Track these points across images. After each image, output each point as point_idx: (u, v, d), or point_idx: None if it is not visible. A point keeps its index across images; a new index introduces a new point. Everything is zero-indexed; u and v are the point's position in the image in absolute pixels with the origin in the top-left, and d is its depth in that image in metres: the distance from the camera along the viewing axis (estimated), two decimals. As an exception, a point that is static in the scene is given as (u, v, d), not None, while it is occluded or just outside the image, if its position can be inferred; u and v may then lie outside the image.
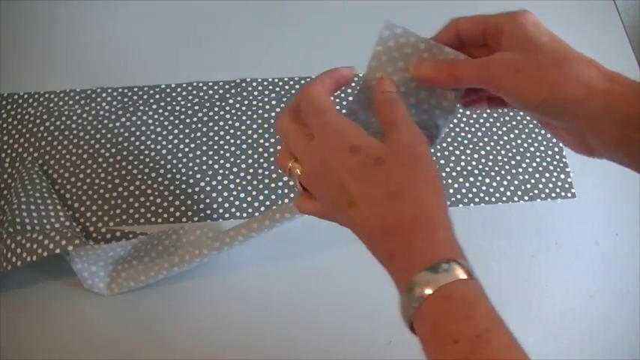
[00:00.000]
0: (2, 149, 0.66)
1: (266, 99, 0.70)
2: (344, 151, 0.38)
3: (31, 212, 0.58)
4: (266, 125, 0.68)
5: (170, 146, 0.67)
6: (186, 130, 0.68)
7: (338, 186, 0.38)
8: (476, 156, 0.67)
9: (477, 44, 0.42)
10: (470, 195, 0.65)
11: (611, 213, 0.64)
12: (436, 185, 0.38)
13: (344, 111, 0.44)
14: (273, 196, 0.64)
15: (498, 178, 0.66)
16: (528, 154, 0.67)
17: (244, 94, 0.71)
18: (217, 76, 0.72)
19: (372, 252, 0.38)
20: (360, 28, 0.77)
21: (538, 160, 0.67)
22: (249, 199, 0.64)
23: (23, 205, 0.59)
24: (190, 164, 0.66)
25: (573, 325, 0.58)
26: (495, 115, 0.70)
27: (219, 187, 0.64)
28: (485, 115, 0.70)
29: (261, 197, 0.64)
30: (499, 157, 0.67)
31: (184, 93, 0.70)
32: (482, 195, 0.65)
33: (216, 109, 0.69)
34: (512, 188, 0.65)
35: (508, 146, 0.68)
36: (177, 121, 0.68)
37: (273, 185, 0.64)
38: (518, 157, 0.67)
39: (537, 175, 0.66)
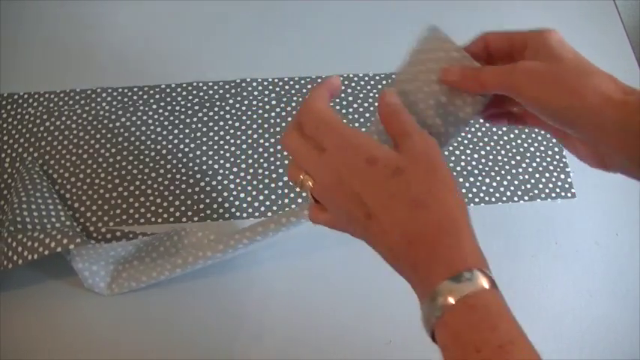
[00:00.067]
0: (2, 149, 0.66)
1: (266, 99, 0.70)
2: (361, 163, 0.38)
3: (31, 211, 0.58)
4: (266, 125, 0.68)
5: (170, 146, 0.67)
6: (186, 130, 0.68)
7: (355, 199, 0.38)
8: (476, 156, 0.67)
9: (504, 58, 0.43)
10: (470, 195, 0.64)
11: (611, 213, 0.64)
12: (456, 192, 0.38)
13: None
14: (273, 196, 0.64)
15: (498, 178, 0.66)
16: (528, 154, 0.67)
17: (244, 94, 0.71)
18: (217, 76, 0.72)
19: (391, 263, 0.38)
20: (360, 28, 0.77)
21: (538, 160, 0.67)
22: (249, 199, 0.64)
23: (24, 204, 0.59)
24: (190, 164, 0.66)
25: (573, 325, 0.58)
26: (495, 115, 0.70)
27: (219, 187, 0.64)
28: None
29: (261, 197, 0.64)
30: (499, 157, 0.67)
31: (184, 93, 0.70)
32: (482, 195, 0.65)
33: (216, 109, 0.69)
34: (512, 188, 0.65)
35: (508, 146, 0.68)
36: (177, 121, 0.68)
37: (273, 185, 0.64)
38: (518, 157, 0.67)
39: (537, 175, 0.66)
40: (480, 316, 0.34)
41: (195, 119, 0.69)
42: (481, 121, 0.69)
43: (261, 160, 0.66)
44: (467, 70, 0.42)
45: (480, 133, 0.68)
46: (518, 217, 0.63)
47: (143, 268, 0.58)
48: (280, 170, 0.65)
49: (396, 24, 0.78)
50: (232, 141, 0.67)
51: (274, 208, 0.63)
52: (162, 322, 0.57)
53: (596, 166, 0.42)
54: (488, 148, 0.67)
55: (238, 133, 0.68)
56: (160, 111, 0.69)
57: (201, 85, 0.71)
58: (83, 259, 0.56)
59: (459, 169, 0.66)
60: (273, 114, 0.69)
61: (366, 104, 0.70)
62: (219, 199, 0.63)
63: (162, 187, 0.64)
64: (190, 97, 0.70)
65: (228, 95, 0.70)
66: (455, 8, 0.80)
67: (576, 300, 0.59)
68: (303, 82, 0.71)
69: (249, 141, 0.67)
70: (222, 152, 0.66)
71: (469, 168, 0.66)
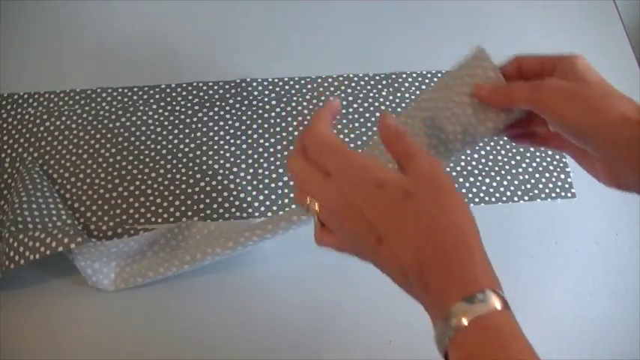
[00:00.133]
0: (2, 149, 0.66)
1: (266, 99, 0.70)
2: (369, 187, 0.38)
3: (32, 211, 0.58)
4: (266, 125, 0.68)
5: (170, 146, 0.67)
6: (186, 130, 0.68)
7: (364, 223, 0.38)
8: (476, 156, 0.67)
9: (535, 79, 0.45)
10: (470, 195, 0.64)
11: (611, 213, 0.64)
12: (466, 211, 0.38)
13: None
14: (273, 196, 0.64)
15: (498, 178, 0.66)
16: (528, 154, 0.67)
17: (244, 94, 0.71)
18: (217, 76, 0.72)
19: (402, 285, 0.38)
20: (360, 28, 0.77)
21: (538, 160, 0.67)
22: (249, 199, 0.64)
23: (25, 204, 0.59)
24: (190, 164, 0.66)
25: (573, 325, 0.58)
26: (495, 115, 0.70)
27: (219, 187, 0.64)
28: (485, 115, 0.70)
29: (261, 197, 0.64)
30: (499, 157, 0.67)
31: (184, 93, 0.70)
32: (482, 195, 0.65)
33: (216, 109, 0.69)
34: (512, 188, 0.65)
35: (508, 146, 0.68)
36: (177, 121, 0.68)
37: (273, 185, 0.64)
38: (518, 157, 0.67)
39: (537, 175, 0.66)
40: (492, 336, 0.34)
41: (195, 119, 0.69)
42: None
43: (261, 160, 0.66)
44: (497, 86, 0.45)
45: (480, 133, 0.68)
46: (518, 217, 0.63)
47: (148, 264, 0.58)
48: (280, 170, 0.65)
49: (396, 24, 0.78)
50: (232, 141, 0.67)
51: (274, 208, 0.63)
52: (165, 319, 0.57)
53: (611, 186, 0.44)
54: (488, 148, 0.67)
55: (238, 133, 0.68)
56: (160, 111, 0.69)
57: (201, 85, 0.71)
58: (85, 257, 0.56)
59: (459, 169, 0.66)
60: (273, 114, 0.69)
61: (366, 104, 0.70)
62: (219, 199, 0.63)
63: (162, 187, 0.64)
64: (190, 97, 0.70)
65: (228, 95, 0.70)
66: (455, 8, 0.80)
67: (576, 300, 0.59)
68: (303, 82, 0.71)
69: (249, 141, 0.67)
70: (222, 152, 0.66)
71: (469, 168, 0.66)
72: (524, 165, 0.66)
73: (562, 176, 0.66)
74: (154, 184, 0.64)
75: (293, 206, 0.63)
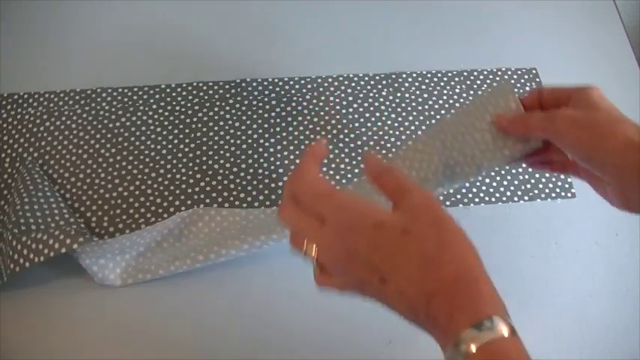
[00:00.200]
0: (2, 149, 0.66)
1: (266, 99, 0.70)
2: (367, 230, 0.38)
3: (34, 212, 0.58)
4: (266, 125, 0.68)
5: (170, 146, 0.67)
6: (186, 130, 0.68)
7: (366, 265, 0.38)
8: (476, 156, 0.67)
9: (553, 108, 0.48)
10: (470, 195, 0.64)
11: (611, 213, 0.63)
12: (465, 239, 0.39)
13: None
14: (273, 196, 0.64)
15: (498, 178, 0.66)
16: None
17: (244, 94, 0.71)
18: (217, 76, 0.72)
19: (409, 318, 0.38)
20: (360, 28, 0.77)
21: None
22: (249, 199, 0.64)
23: (26, 205, 0.59)
24: (190, 164, 0.66)
25: (573, 325, 0.58)
26: (495, 115, 0.70)
27: (219, 187, 0.64)
28: (485, 115, 0.70)
29: (261, 197, 0.64)
30: (499, 157, 0.67)
31: (184, 93, 0.70)
32: (482, 195, 0.65)
33: (216, 109, 0.69)
34: (512, 188, 0.65)
35: (508, 146, 0.68)
36: (177, 121, 0.68)
37: (273, 185, 0.64)
38: (518, 157, 0.67)
39: (537, 175, 0.66)
40: None
41: (195, 119, 0.69)
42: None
43: (261, 160, 0.66)
44: (516, 116, 0.49)
45: (480, 133, 0.68)
46: (518, 217, 0.64)
47: (157, 260, 0.58)
48: (280, 170, 0.65)
49: (396, 24, 0.78)
50: (232, 141, 0.67)
51: (274, 208, 0.63)
52: (169, 317, 0.57)
53: (623, 208, 0.46)
54: (488, 148, 0.67)
55: (238, 133, 0.68)
56: (160, 111, 0.69)
57: (201, 85, 0.71)
58: (89, 256, 0.56)
59: (459, 169, 0.66)
60: (273, 114, 0.69)
61: (366, 104, 0.70)
62: (219, 199, 0.63)
63: (162, 187, 0.64)
64: (190, 97, 0.70)
65: (228, 95, 0.70)
66: (455, 8, 0.80)
67: (576, 300, 0.59)
68: (303, 82, 0.72)
69: (249, 141, 0.67)
70: (222, 152, 0.66)
71: (469, 168, 0.66)
72: (524, 165, 0.66)
73: (562, 176, 0.66)
74: (154, 184, 0.64)
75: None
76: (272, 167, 0.65)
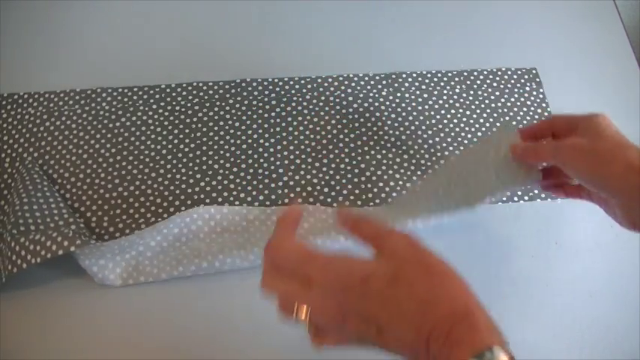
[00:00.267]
0: (2, 149, 0.66)
1: (266, 99, 0.70)
2: (356, 285, 0.39)
3: (34, 212, 0.58)
4: (266, 125, 0.68)
5: (170, 146, 0.67)
6: (186, 130, 0.68)
7: (361, 319, 0.39)
8: (476, 156, 0.67)
9: (565, 133, 0.51)
10: (470, 195, 0.64)
11: (611, 213, 0.64)
12: (452, 272, 0.39)
13: None
14: (273, 196, 0.64)
15: (498, 178, 0.66)
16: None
17: (244, 94, 0.71)
18: (217, 76, 0.72)
19: (410, 359, 0.38)
20: (360, 28, 0.77)
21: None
22: (249, 199, 0.64)
23: (25, 205, 0.59)
24: (190, 164, 0.66)
25: (573, 325, 0.58)
26: (495, 115, 0.70)
27: (219, 187, 0.64)
28: (485, 115, 0.70)
29: (261, 197, 0.64)
30: (499, 157, 0.67)
31: (184, 93, 0.70)
32: (482, 195, 0.64)
33: (216, 109, 0.69)
34: (512, 188, 0.65)
35: (508, 146, 0.68)
36: (177, 121, 0.68)
37: (273, 185, 0.64)
38: (518, 157, 0.67)
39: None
40: None
41: (195, 119, 0.69)
42: (494, 129, 0.69)
43: (261, 160, 0.66)
44: (528, 145, 0.53)
45: (480, 134, 0.68)
46: (518, 217, 0.63)
47: (157, 262, 0.58)
48: (280, 170, 0.65)
49: (396, 24, 0.78)
50: (232, 141, 0.67)
51: (274, 208, 0.63)
52: (166, 319, 0.57)
53: (631, 228, 0.48)
54: (488, 148, 0.67)
55: (238, 133, 0.68)
56: (160, 111, 0.69)
57: (201, 85, 0.71)
58: (89, 257, 0.56)
59: (459, 169, 0.66)
60: (273, 114, 0.69)
61: (366, 104, 0.70)
62: (219, 199, 0.63)
63: (162, 187, 0.64)
64: (190, 97, 0.70)
65: (228, 95, 0.70)
66: (455, 8, 0.80)
67: (576, 300, 0.59)
68: (303, 82, 0.72)
69: (249, 141, 0.67)
70: (222, 152, 0.66)
71: (469, 168, 0.66)
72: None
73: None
74: (154, 184, 0.64)
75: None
76: (272, 167, 0.65)
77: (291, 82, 0.71)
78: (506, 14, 0.79)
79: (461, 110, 0.70)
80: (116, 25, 0.76)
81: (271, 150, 0.67)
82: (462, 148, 0.67)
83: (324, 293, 0.39)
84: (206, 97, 0.70)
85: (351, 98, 0.71)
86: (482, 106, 0.71)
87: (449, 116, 0.70)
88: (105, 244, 0.57)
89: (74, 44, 0.74)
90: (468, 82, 0.72)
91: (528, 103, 0.71)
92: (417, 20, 0.78)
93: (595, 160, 0.47)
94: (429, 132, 0.68)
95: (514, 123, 0.69)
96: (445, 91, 0.72)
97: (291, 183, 0.65)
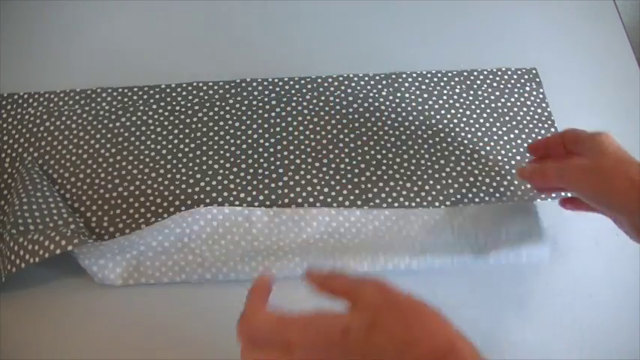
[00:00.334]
0: (2, 149, 0.66)
1: (266, 99, 0.70)
2: (337, 340, 0.39)
3: (33, 212, 0.58)
4: (266, 125, 0.68)
5: (170, 146, 0.67)
6: (186, 130, 0.68)
7: None
8: (476, 156, 0.67)
9: (572, 145, 0.54)
10: (470, 195, 0.64)
11: (611, 213, 0.64)
12: (429, 310, 0.39)
13: None
14: (273, 196, 0.64)
15: (498, 178, 0.66)
16: (528, 155, 0.67)
17: (244, 94, 0.71)
18: (217, 76, 0.72)
19: None
20: (360, 28, 0.77)
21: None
22: (249, 199, 0.64)
23: (25, 205, 0.59)
24: (190, 164, 0.66)
25: (573, 325, 0.58)
26: (495, 115, 0.70)
27: (219, 187, 0.64)
28: (485, 115, 0.70)
29: (261, 197, 0.64)
30: (499, 157, 0.67)
31: (184, 93, 0.70)
32: (482, 195, 0.65)
33: (216, 109, 0.69)
34: (512, 188, 0.65)
35: (508, 146, 0.68)
36: (177, 121, 0.68)
37: (273, 185, 0.64)
38: (518, 157, 0.67)
39: (527, 164, 0.66)
40: None
41: (195, 119, 0.69)
42: (494, 129, 0.69)
43: (261, 160, 0.66)
44: (536, 167, 0.56)
45: (479, 133, 0.68)
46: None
47: (159, 264, 0.58)
48: (280, 170, 0.65)
49: (396, 24, 0.78)
50: (232, 141, 0.67)
51: (277, 209, 0.63)
52: (166, 319, 0.57)
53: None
54: (488, 148, 0.67)
55: (238, 133, 0.68)
56: (160, 111, 0.69)
57: (201, 85, 0.71)
58: (88, 256, 0.56)
59: (459, 169, 0.66)
60: (273, 114, 0.69)
61: (366, 104, 0.70)
62: (219, 199, 0.63)
63: (162, 187, 0.64)
64: (190, 97, 0.70)
65: (228, 95, 0.70)
66: (454, 8, 0.80)
67: (576, 300, 0.59)
68: (303, 82, 0.72)
69: (249, 141, 0.67)
70: (222, 152, 0.66)
71: (469, 168, 0.66)
72: (524, 165, 0.66)
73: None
74: (154, 184, 0.64)
75: (293, 206, 0.63)
76: (272, 167, 0.65)
77: (291, 82, 0.71)
78: (507, 14, 0.79)
79: (461, 110, 0.70)
80: (116, 25, 0.76)
81: (271, 150, 0.67)
82: (462, 148, 0.67)
83: (307, 354, 0.39)
84: (206, 97, 0.70)
85: (351, 98, 0.71)
86: (483, 106, 0.71)
87: (449, 116, 0.70)
88: (104, 244, 0.57)
89: (74, 44, 0.74)
90: (468, 82, 0.72)
91: (528, 103, 0.71)
92: (417, 20, 0.78)
93: (597, 178, 0.49)
94: (429, 132, 0.68)
95: (514, 123, 0.69)
96: (445, 91, 0.72)
97: (291, 183, 0.65)
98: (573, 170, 0.51)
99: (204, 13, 0.78)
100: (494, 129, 0.69)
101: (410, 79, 0.72)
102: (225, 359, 0.55)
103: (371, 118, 0.69)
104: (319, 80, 0.72)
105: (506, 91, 0.72)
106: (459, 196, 0.64)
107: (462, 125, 0.69)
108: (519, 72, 0.73)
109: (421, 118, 0.69)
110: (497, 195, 0.64)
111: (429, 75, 0.73)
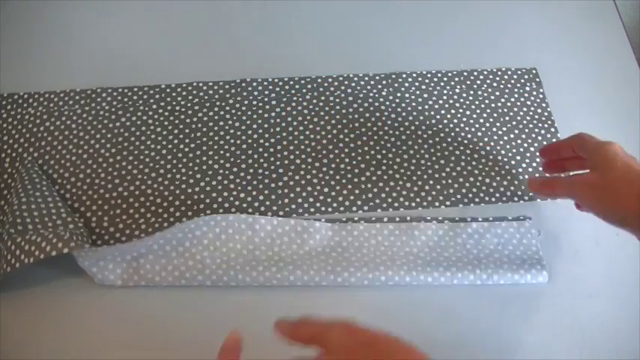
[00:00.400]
0: (2, 149, 0.66)
1: (266, 99, 0.70)
2: None
3: (32, 212, 0.58)
4: (266, 125, 0.68)
5: (170, 146, 0.67)
6: (186, 130, 0.68)
7: None
8: (476, 156, 0.67)
9: (580, 154, 0.54)
10: (470, 195, 0.64)
11: (611, 213, 0.64)
12: (399, 343, 0.40)
13: None
14: (273, 196, 0.64)
15: (498, 178, 0.66)
16: (528, 154, 0.67)
17: (244, 94, 0.71)
18: (217, 76, 0.72)
19: None
20: (360, 28, 0.77)
21: (538, 160, 0.67)
22: (249, 199, 0.64)
23: (24, 205, 0.59)
24: (190, 164, 0.66)
25: (573, 325, 0.58)
26: (495, 115, 0.70)
27: (219, 187, 0.64)
28: (485, 115, 0.70)
29: (261, 197, 0.64)
30: (499, 157, 0.67)
31: (184, 93, 0.70)
32: (482, 195, 0.65)
33: (216, 109, 0.69)
34: (512, 188, 0.65)
35: (508, 146, 0.68)
36: (177, 121, 0.68)
37: (273, 185, 0.64)
38: (518, 157, 0.67)
39: (537, 175, 0.66)
40: None
41: (195, 119, 0.69)
42: (494, 129, 0.69)
43: (261, 160, 0.66)
44: (546, 180, 0.57)
45: (479, 133, 0.68)
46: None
47: (159, 268, 0.58)
48: (280, 170, 0.65)
49: (397, 24, 0.78)
50: (232, 141, 0.67)
51: (274, 208, 0.63)
52: (166, 319, 0.57)
53: None
54: (488, 148, 0.67)
55: (238, 133, 0.68)
56: (160, 111, 0.69)
57: (201, 85, 0.71)
58: (87, 258, 0.56)
59: (459, 169, 0.66)
60: (273, 114, 0.69)
61: (366, 104, 0.70)
62: (219, 199, 0.63)
63: (162, 187, 0.64)
64: (190, 97, 0.70)
65: (228, 95, 0.70)
66: (454, 7, 0.80)
67: (576, 300, 0.59)
68: (303, 82, 0.72)
69: (249, 141, 0.67)
70: (222, 152, 0.66)
71: (469, 168, 0.66)
72: (524, 165, 0.66)
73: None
74: (154, 184, 0.64)
75: (293, 206, 0.63)
76: (272, 167, 0.65)
77: (291, 82, 0.71)
78: (507, 14, 0.79)
79: (461, 110, 0.70)
80: (116, 25, 0.76)
81: (271, 150, 0.67)
82: (462, 148, 0.67)
83: None
84: (206, 97, 0.70)
85: (351, 98, 0.71)
86: (483, 106, 0.71)
87: (449, 116, 0.70)
88: (100, 249, 0.56)
89: (74, 44, 0.74)
90: (468, 82, 0.72)
91: (528, 103, 0.71)
92: (418, 20, 0.79)
93: (606, 195, 0.49)
94: (429, 132, 0.68)
95: (514, 123, 0.69)
96: (445, 91, 0.72)
97: (291, 183, 0.65)
98: (583, 187, 0.51)
99: (204, 13, 0.78)
100: (495, 129, 0.69)
101: (410, 79, 0.72)
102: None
103: (371, 118, 0.69)
104: (319, 80, 0.72)
105: (506, 91, 0.72)
106: (458, 196, 0.64)
107: (462, 125, 0.69)
108: (519, 72, 0.74)
109: (421, 118, 0.69)
110: (498, 195, 0.64)
111: (429, 75, 0.73)
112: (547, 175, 0.62)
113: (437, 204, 0.64)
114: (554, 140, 0.68)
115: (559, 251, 0.62)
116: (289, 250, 0.60)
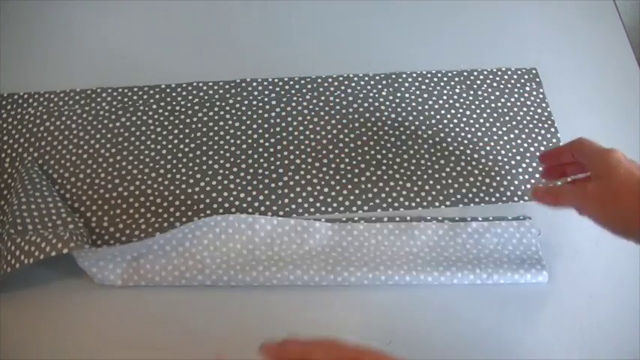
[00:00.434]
0: (2, 149, 0.66)
1: (266, 99, 0.70)
2: None
3: (31, 212, 0.58)
4: (266, 125, 0.68)
5: (170, 146, 0.67)
6: (186, 130, 0.68)
7: None
8: (476, 156, 0.67)
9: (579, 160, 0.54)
10: (470, 195, 0.64)
11: (611, 213, 0.64)
12: (383, 355, 0.41)
13: None
14: (273, 196, 0.64)
15: (498, 178, 0.66)
16: (528, 154, 0.67)
17: (244, 94, 0.71)
18: (217, 76, 0.72)
19: None
20: (360, 28, 0.77)
21: (538, 160, 0.67)
22: (249, 199, 0.64)
23: (24, 205, 0.59)
24: (190, 164, 0.66)
25: (573, 325, 0.58)
26: (495, 115, 0.70)
27: (219, 187, 0.64)
28: (485, 115, 0.70)
29: (261, 197, 0.64)
30: (499, 157, 0.67)
31: (184, 93, 0.70)
32: (482, 195, 0.65)
33: (216, 109, 0.69)
34: (512, 188, 0.65)
35: (508, 146, 0.68)
36: (177, 121, 0.68)
37: (273, 185, 0.64)
38: (518, 157, 0.67)
39: (537, 176, 0.66)
40: None
41: (195, 119, 0.69)
42: (494, 129, 0.69)
43: (261, 160, 0.66)
44: (550, 188, 0.56)
45: (479, 133, 0.68)
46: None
47: (159, 268, 0.58)
48: (280, 170, 0.65)
49: (396, 24, 0.78)
50: (232, 141, 0.67)
51: (274, 208, 0.63)
52: (166, 319, 0.57)
53: None
54: (488, 148, 0.67)
55: (238, 133, 0.68)
56: (160, 111, 0.69)
57: (201, 85, 0.71)
58: (87, 258, 0.56)
59: (459, 169, 0.66)
60: (273, 114, 0.69)
61: (366, 104, 0.70)
62: (219, 199, 0.63)
63: (162, 187, 0.64)
64: (190, 97, 0.70)
65: (228, 95, 0.70)
66: (454, 7, 0.80)
67: (576, 300, 0.59)
68: (303, 82, 0.72)
69: (249, 141, 0.67)
70: (222, 152, 0.66)
71: (469, 168, 0.66)
72: (524, 165, 0.66)
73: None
74: (154, 184, 0.64)
75: (293, 206, 0.63)
76: (272, 167, 0.65)
77: (291, 82, 0.71)
78: (507, 14, 0.79)
79: (461, 110, 0.70)
80: (116, 26, 0.76)
81: (271, 150, 0.67)
82: (462, 148, 0.67)
83: None
84: (206, 97, 0.70)
85: (351, 98, 0.71)
86: (483, 106, 0.71)
87: (449, 116, 0.70)
88: (100, 250, 0.56)
89: (74, 44, 0.74)
90: (468, 82, 0.72)
91: (528, 103, 0.71)
92: (417, 20, 0.79)
93: (610, 205, 0.49)
94: (429, 132, 0.68)
95: (514, 123, 0.69)
96: (445, 91, 0.72)
97: (291, 183, 0.65)
98: (586, 198, 0.51)
99: (204, 13, 0.78)
100: (494, 129, 0.69)
101: (410, 79, 0.72)
102: (225, 359, 0.55)
103: (371, 118, 0.69)
104: (319, 80, 0.72)
105: (506, 91, 0.72)
106: (458, 196, 0.64)
107: (462, 125, 0.69)
108: (519, 72, 0.74)
109: (421, 118, 0.69)
110: (498, 195, 0.65)
111: (428, 75, 0.73)
112: (545, 180, 0.63)
113: (437, 204, 0.64)
114: (554, 140, 0.68)
115: (559, 251, 0.62)
116: (289, 250, 0.60)
